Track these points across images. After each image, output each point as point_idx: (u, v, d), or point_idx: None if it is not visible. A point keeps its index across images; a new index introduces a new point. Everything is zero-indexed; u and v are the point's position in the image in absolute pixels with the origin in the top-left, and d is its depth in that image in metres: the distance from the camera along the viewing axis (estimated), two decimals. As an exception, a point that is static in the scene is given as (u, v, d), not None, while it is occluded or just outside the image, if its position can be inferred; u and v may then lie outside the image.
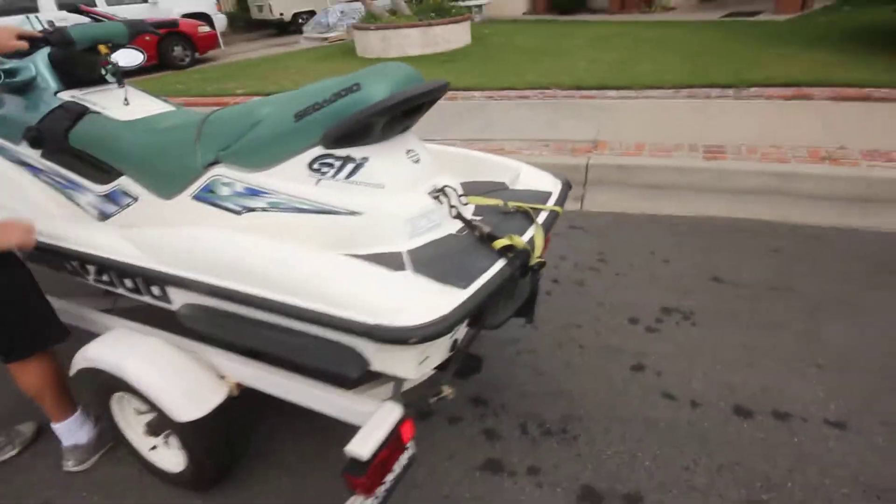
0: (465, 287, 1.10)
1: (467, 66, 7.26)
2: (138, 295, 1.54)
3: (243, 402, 1.51)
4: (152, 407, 1.44)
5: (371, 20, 8.55)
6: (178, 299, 1.37)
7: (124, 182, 1.56)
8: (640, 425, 1.76)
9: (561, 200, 1.50)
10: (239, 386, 1.48)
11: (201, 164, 1.38)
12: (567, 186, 1.59)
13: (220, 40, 11.28)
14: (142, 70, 9.51)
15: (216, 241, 1.25)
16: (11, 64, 1.66)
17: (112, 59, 1.72)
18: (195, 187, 1.40)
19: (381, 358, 1.13)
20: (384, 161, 1.23)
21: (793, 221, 3.02)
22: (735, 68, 5.62)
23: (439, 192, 1.29)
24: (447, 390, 1.41)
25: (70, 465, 1.73)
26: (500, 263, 1.19)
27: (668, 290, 2.47)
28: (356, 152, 1.22)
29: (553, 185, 1.59)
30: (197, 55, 10.19)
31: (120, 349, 1.49)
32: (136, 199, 1.55)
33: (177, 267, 1.29)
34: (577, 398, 1.89)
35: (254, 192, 1.31)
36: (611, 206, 3.41)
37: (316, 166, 1.24)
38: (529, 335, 2.22)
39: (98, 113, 1.62)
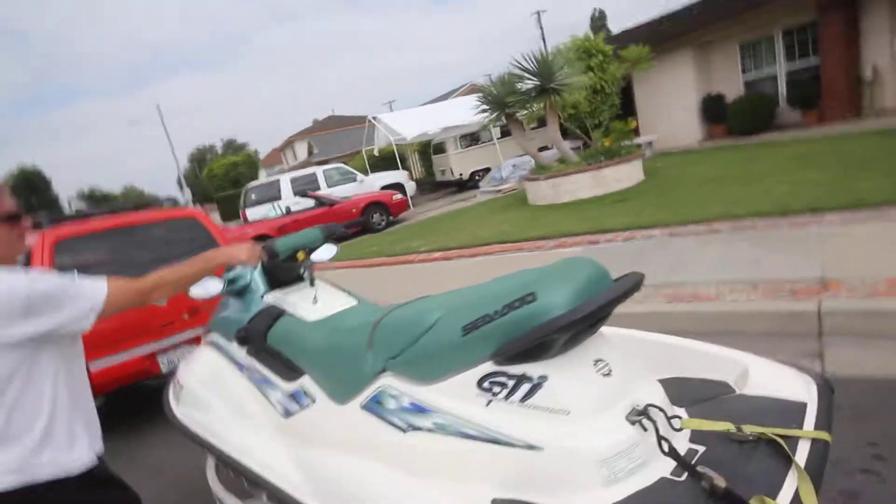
0: None
1: (641, 203, 6.97)
2: None
3: None
4: None
5: (541, 171, 9.00)
6: None
7: (305, 382, 1.58)
8: None
9: (825, 419, 1.05)
10: None
11: (371, 371, 1.31)
12: (829, 390, 1.13)
13: (410, 202, 13.06)
14: (347, 236, 11.35)
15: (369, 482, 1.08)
16: (234, 272, 1.93)
17: (310, 260, 1.90)
18: (365, 396, 1.33)
19: None
20: (567, 380, 1.00)
21: None
22: None
23: (641, 415, 0.99)
24: None
25: None
26: None
27: None
28: (533, 369, 1.01)
29: (803, 389, 1.14)
30: (391, 218, 11.90)
31: None
32: (313, 401, 1.54)
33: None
34: None
35: (420, 409, 1.17)
36: (865, 369, 2.59)
37: (486, 385, 1.06)
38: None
39: (291, 315, 1.74)
